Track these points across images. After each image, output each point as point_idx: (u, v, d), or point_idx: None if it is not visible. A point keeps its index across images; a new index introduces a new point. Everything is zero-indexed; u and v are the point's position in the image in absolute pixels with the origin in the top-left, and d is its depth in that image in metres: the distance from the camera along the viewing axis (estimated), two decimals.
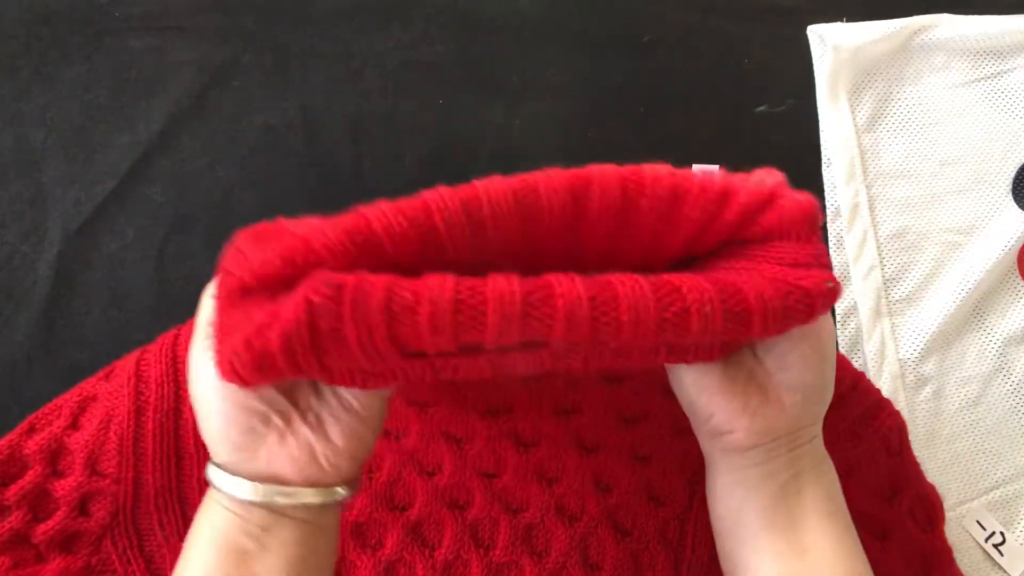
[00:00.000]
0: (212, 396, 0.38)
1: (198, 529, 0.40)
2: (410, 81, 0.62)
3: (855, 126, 0.62)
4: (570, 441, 0.55)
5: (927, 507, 0.56)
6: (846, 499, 0.52)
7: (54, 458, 0.53)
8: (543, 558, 0.55)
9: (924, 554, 0.55)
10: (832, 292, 0.33)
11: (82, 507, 0.53)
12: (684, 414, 0.47)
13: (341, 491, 0.39)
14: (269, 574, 0.38)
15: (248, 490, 0.38)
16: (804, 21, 0.63)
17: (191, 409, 0.52)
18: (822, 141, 0.62)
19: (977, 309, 0.61)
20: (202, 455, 0.53)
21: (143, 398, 0.53)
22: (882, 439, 0.55)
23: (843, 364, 0.54)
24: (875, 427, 0.54)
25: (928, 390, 0.60)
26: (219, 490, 0.39)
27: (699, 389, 0.41)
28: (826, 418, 0.44)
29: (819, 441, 0.43)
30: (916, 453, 0.59)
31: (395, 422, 0.55)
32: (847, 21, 0.63)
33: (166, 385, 0.53)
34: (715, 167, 0.61)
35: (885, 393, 0.59)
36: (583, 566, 0.55)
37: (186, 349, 0.53)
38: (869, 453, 0.54)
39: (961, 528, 0.59)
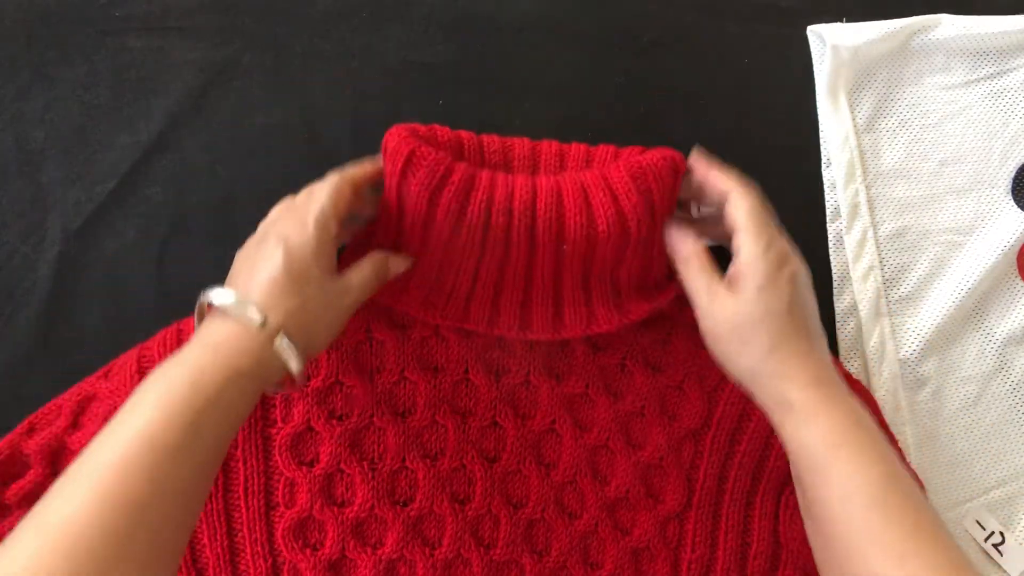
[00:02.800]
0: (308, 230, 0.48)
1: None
2: (410, 81, 0.62)
3: (855, 126, 0.62)
4: (562, 409, 0.55)
5: None
6: None
7: (55, 458, 0.53)
8: (543, 556, 0.55)
9: None
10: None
11: None
12: (671, 398, 0.56)
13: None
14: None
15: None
16: (804, 21, 0.63)
17: None
18: (822, 141, 0.62)
19: (977, 309, 0.61)
20: None
21: None
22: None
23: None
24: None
25: (928, 390, 0.60)
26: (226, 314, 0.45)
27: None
28: None
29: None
30: (916, 453, 0.60)
31: (402, 398, 0.55)
32: (847, 21, 0.63)
33: None
34: None
35: (885, 393, 0.59)
36: (583, 565, 0.55)
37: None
38: None
39: (961, 528, 0.59)
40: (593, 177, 0.50)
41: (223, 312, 0.46)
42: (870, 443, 0.45)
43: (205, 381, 0.42)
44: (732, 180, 0.50)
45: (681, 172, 0.51)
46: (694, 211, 0.55)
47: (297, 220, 0.48)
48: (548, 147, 0.55)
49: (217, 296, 0.46)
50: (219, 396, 0.42)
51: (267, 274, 0.46)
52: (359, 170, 0.52)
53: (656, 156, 0.50)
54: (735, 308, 0.48)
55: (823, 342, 0.49)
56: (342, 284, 0.49)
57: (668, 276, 0.55)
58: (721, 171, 0.51)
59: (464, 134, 0.55)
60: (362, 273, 0.50)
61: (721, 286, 0.49)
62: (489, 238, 0.50)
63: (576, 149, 0.55)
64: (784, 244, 0.49)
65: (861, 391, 0.56)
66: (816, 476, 0.45)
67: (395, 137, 0.50)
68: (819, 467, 0.45)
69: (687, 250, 0.51)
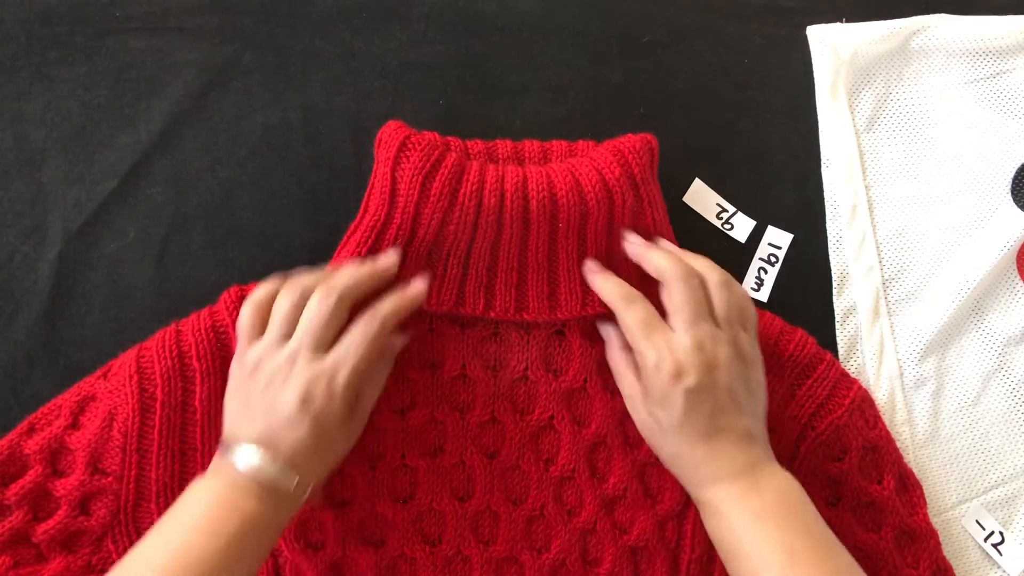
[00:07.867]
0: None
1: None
2: (410, 81, 0.62)
3: (854, 126, 0.62)
4: (561, 404, 0.55)
5: (910, 487, 0.56)
6: (833, 478, 0.55)
7: (54, 458, 0.53)
8: (543, 553, 0.55)
9: (913, 537, 0.56)
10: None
11: (83, 506, 0.53)
12: None
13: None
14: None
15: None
16: (804, 21, 0.63)
17: (199, 402, 0.53)
18: (821, 141, 0.62)
19: (976, 309, 0.61)
20: (207, 450, 0.54)
21: (148, 394, 0.53)
22: (857, 410, 0.55)
23: (807, 341, 0.56)
24: (850, 397, 0.55)
25: (927, 390, 0.60)
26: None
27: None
28: (799, 393, 0.55)
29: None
30: (915, 453, 0.60)
31: (400, 396, 0.55)
32: (846, 21, 0.63)
33: (172, 380, 0.53)
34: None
35: (885, 393, 0.60)
36: (582, 562, 0.55)
37: (188, 344, 0.53)
38: (849, 424, 0.55)
39: (960, 528, 0.59)
40: (578, 160, 0.53)
41: (254, 473, 0.47)
42: (768, 537, 0.47)
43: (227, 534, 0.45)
44: (666, 265, 0.52)
45: (656, 149, 0.55)
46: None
47: (323, 384, 0.49)
48: (531, 145, 0.57)
49: (245, 457, 0.47)
50: (240, 544, 0.46)
51: (293, 439, 0.48)
52: (391, 304, 0.52)
53: (631, 137, 0.54)
54: (637, 418, 0.52)
55: (733, 435, 0.49)
56: (358, 419, 0.52)
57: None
58: (655, 254, 0.53)
59: (451, 139, 0.57)
60: (371, 393, 0.53)
61: (638, 392, 0.52)
62: (481, 220, 0.52)
63: (558, 145, 0.57)
64: (682, 349, 0.49)
65: (860, 390, 0.56)
66: (728, 562, 0.49)
67: (389, 128, 0.53)
68: (729, 555, 0.48)
69: (615, 359, 0.54)
